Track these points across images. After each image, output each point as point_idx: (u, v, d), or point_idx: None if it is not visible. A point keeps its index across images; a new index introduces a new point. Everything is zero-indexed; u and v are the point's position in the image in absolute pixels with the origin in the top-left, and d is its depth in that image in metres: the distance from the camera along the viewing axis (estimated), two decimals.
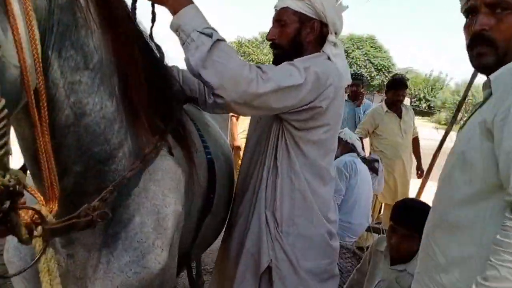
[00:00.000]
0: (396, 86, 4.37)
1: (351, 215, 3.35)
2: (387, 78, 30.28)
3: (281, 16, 1.63)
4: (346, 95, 5.06)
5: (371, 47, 35.34)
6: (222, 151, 1.83)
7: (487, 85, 1.09)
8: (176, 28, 1.33)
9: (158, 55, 1.38)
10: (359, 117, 4.80)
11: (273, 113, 1.54)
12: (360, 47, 35.24)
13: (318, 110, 1.52)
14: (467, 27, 1.15)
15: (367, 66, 34.82)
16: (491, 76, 1.07)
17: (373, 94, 29.12)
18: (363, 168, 3.50)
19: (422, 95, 36.21)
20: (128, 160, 1.10)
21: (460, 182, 1.07)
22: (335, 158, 3.63)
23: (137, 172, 1.11)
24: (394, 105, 4.37)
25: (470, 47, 1.13)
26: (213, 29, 1.35)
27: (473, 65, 1.15)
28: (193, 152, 1.40)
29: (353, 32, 36.58)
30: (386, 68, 34.33)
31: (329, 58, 1.62)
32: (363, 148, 3.86)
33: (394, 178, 4.40)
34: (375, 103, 5.88)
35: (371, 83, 33.71)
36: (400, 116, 4.40)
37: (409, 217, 1.95)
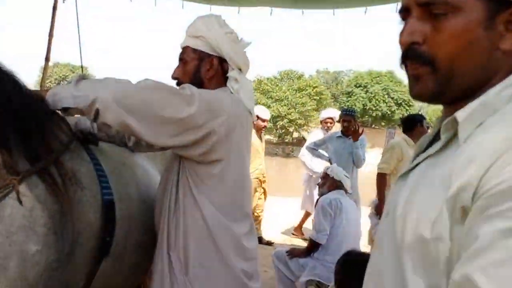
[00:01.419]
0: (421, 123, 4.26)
1: (338, 255, 3.21)
2: (408, 112, 29.95)
3: (183, 55, 1.65)
4: (339, 130, 5.00)
5: (390, 81, 35.24)
6: (140, 194, 1.75)
7: (449, 126, 0.73)
8: (53, 105, 1.41)
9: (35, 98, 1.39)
10: (356, 153, 4.70)
11: (164, 129, 1.43)
12: (379, 82, 35.21)
13: (214, 137, 1.46)
14: (399, 35, 0.83)
15: (387, 101, 34.61)
16: (459, 116, 0.71)
17: (394, 128, 28.73)
18: (349, 206, 3.38)
19: None
20: None
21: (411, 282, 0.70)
22: (322, 195, 3.58)
23: None
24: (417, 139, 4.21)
25: (404, 65, 0.79)
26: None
27: (409, 92, 0.82)
28: (67, 191, 1.35)
29: (372, 68, 36.69)
30: (406, 102, 34.02)
31: (232, 93, 1.61)
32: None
33: None
34: (396, 137, 5.73)
35: (392, 118, 33.36)
36: None
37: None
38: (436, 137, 0.86)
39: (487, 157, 0.61)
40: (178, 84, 1.64)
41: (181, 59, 1.66)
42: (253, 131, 5.26)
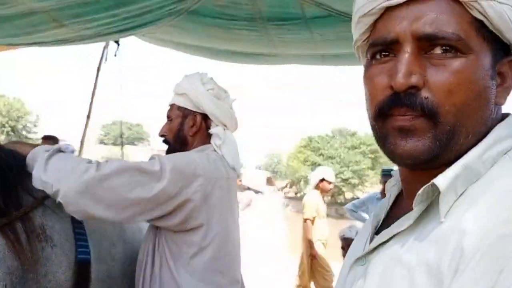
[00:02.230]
0: None
1: None
2: None
3: (169, 112, 1.70)
4: (379, 192, 4.69)
5: None
6: (126, 253, 1.67)
7: (425, 196, 0.59)
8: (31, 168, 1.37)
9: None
10: None
11: (133, 213, 1.37)
12: None
13: (190, 205, 1.41)
14: (376, 75, 0.63)
15: None
16: (440, 185, 0.56)
17: None
18: None
19: None
20: None
21: None
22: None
23: None
24: None
25: (383, 115, 0.62)
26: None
27: (387, 152, 0.62)
28: (31, 248, 1.30)
29: None
30: None
31: (215, 150, 1.60)
32: None
33: None
34: None
35: None
36: None
37: None
38: (395, 205, 0.74)
39: (488, 262, 0.48)
40: (165, 141, 1.69)
41: (168, 116, 1.70)
42: (318, 193, 5.13)
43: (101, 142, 49.47)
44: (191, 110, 1.64)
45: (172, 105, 1.69)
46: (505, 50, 0.62)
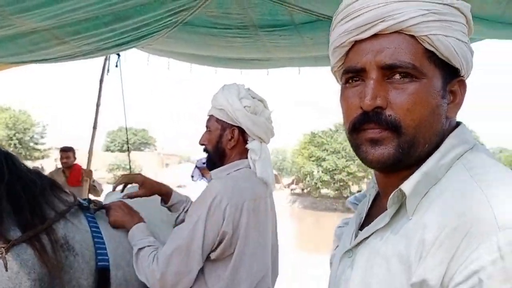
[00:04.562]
0: None
1: None
2: None
3: (208, 123, 1.77)
4: None
5: None
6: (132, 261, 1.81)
7: (395, 199, 0.72)
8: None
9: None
10: None
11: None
12: None
13: (226, 236, 1.54)
14: (349, 97, 0.76)
15: None
16: (406, 190, 0.70)
17: None
18: None
19: None
20: None
21: None
22: None
23: None
24: None
25: (356, 129, 0.75)
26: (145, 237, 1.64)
27: (361, 158, 0.76)
28: (56, 257, 1.47)
29: None
30: None
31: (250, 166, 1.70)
32: None
33: None
34: None
35: None
36: None
37: None
38: (374, 204, 0.88)
39: (444, 248, 0.61)
40: (205, 150, 1.78)
41: (207, 126, 1.78)
42: None
43: (107, 149, 49.60)
44: (230, 124, 1.71)
45: (210, 116, 1.76)
46: (455, 72, 0.75)
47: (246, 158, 1.73)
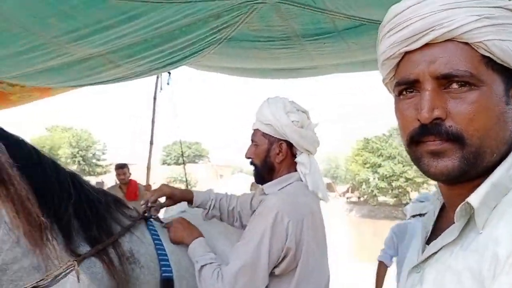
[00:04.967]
0: None
1: None
2: None
3: (254, 137, 1.76)
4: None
5: None
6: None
7: (463, 212, 0.68)
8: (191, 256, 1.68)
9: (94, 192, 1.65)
10: None
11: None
12: None
13: (290, 252, 1.54)
14: (405, 109, 0.73)
15: None
16: (474, 203, 0.66)
17: None
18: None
19: None
20: (28, 274, 1.37)
21: None
22: None
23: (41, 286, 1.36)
24: None
25: (415, 142, 0.71)
26: (206, 254, 1.63)
27: (423, 171, 0.73)
28: (123, 269, 1.55)
29: None
30: None
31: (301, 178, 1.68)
32: None
33: None
34: None
35: None
36: None
37: None
38: (440, 216, 0.83)
39: None
40: (251, 163, 1.77)
41: (252, 140, 1.77)
42: None
43: (164, 163, 51.31)
44: (277, 138, 1.69)
45: (256, 130, 1.74)
46: None
47: (295, 171, 1.71)
